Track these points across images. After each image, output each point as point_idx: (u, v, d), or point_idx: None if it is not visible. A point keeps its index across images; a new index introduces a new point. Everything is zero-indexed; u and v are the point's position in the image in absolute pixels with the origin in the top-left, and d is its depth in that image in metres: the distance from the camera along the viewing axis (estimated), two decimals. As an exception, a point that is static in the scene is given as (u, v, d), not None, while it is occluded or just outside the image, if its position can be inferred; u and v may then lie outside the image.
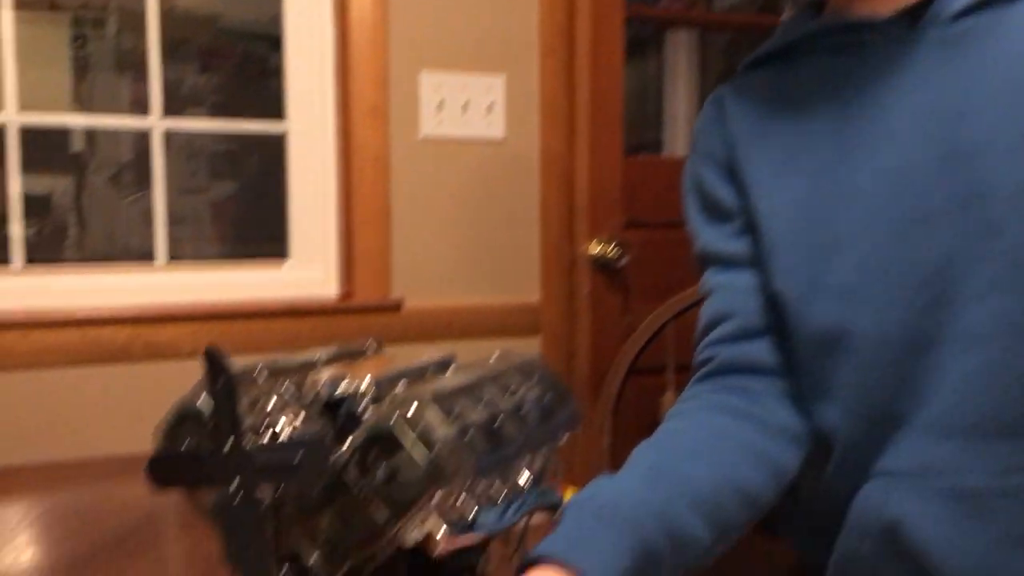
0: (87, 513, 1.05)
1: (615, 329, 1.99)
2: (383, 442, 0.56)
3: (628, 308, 2.00)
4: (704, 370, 0.89)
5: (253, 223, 3.14)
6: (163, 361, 1.66)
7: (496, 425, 0.64)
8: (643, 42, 3.86)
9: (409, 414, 0.57)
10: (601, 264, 1.96)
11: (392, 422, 0.56)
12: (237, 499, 0.54)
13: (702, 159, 0.92)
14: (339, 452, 0.57)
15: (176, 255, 1.81)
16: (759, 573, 0.81)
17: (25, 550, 0.94)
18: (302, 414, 0.59)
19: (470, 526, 0.61)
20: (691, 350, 1.59)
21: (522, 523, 0.72)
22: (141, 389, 1.64)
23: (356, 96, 1.77)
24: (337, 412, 0.61)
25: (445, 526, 0.58)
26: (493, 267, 1.89)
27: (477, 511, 0.62)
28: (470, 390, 0.64)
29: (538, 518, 0.71)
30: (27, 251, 1.68)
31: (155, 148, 1.76)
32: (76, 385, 1.62)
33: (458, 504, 0.60)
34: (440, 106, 1.83)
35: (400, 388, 0.61)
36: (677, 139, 3.41)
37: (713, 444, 0.80)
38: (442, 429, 0.58)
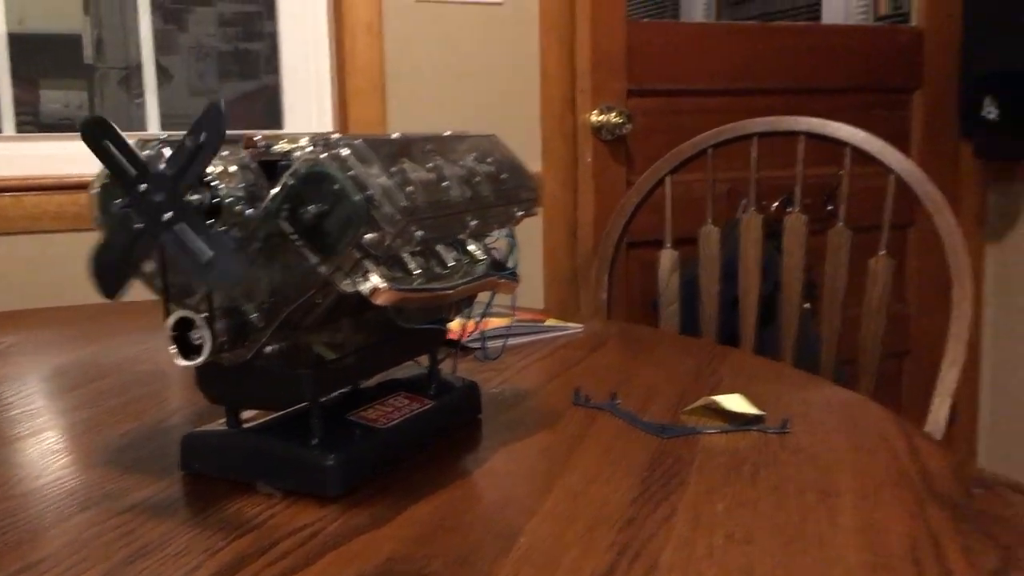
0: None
1: (618, 201, 1.95)
2: (314, 181, 0.54)
3: (632, 179, 1.95)
4: None
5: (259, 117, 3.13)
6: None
7: (441, 185, 0.61)
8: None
9: (343, 154, 0.55)
10: (603, 133, 1.92)
11: (324, 159, 0.54)
12: (165, 216, 0.51)
13: None
14: (270, 195, 0.55)
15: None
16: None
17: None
18: (233, 167, 0.56)
19: (417, 287, 0.59)
20: (690, 207, 1.55)
21: (487, 299, 0.70)
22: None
23: (345, -43, 1.71)
24: (276, 172, 0.59)
25: (383, 278, 0.56)
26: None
27: (424, 272, 0.60)
28: (414, 152, 0.62)
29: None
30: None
31: (143, 16, 1.73)
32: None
33: (398, 256, 0.58)
34: (433, -33, 1.77)
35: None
36: (695, 9, 3.30)
37: None
38: (376, 174, 0.56)
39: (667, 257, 1.53)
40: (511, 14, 1.84)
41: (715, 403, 0.75)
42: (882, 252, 1.35)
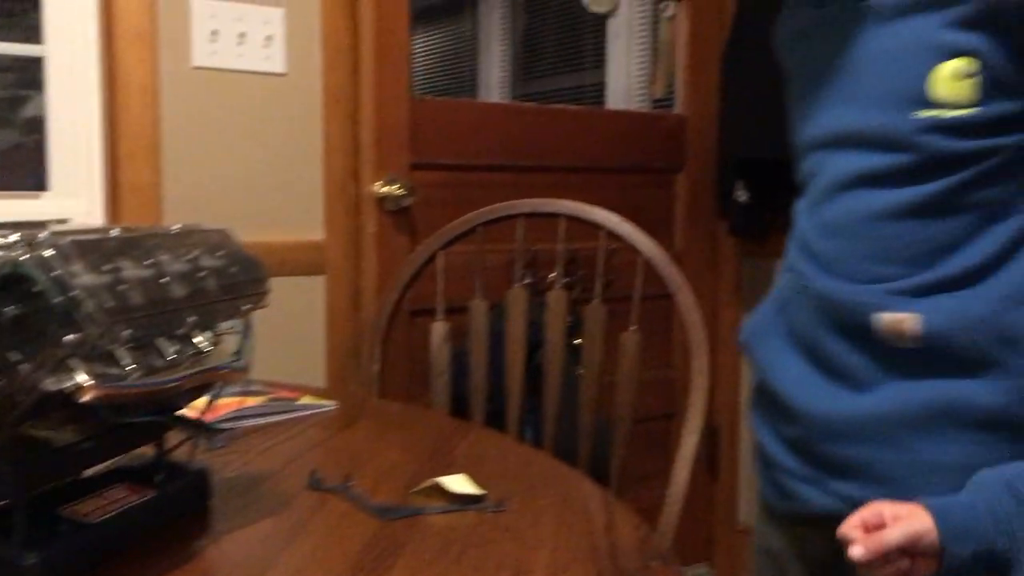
0: None
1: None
2: (14, 281, 0.55)
3: (414, 249, 2.00)
4: None
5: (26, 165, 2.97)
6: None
7: (159, 282, 0.63)
8: (460, 3, 3.89)
9: (45, 254, 0.55)
10: (387, 204, 1.96)
11: (25, 260, 0.55)
12: None
13: None
14: (-33, 294, 0.55)
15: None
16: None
17: None
18: (-65, 262, 0.56)
19: (131, 380, 0.60)
20: (460, 280, 1.61)
21: (211, 390, 0.72)
22: None
23: (120, 20, 1.69)
24: (-17, 266, 0.58)
25: (90, 375, 0.57)
26: (274, 204, 1.86)
27: (140, 366, 0.61)
28: (135, 248, 0.63)
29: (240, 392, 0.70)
30: None
31: None
32: None
33: (108, 353, 0.59)
34: (214, 36, 1.77)
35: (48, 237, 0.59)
36: (491, 83, 3.45)
37: None
38: (81, 273, 0.57)
39: (438, 329, 1.59)
40: (294, 86, 1.86)
41: (440, 484, 0.79)
42: (632, 327, 1.46)
